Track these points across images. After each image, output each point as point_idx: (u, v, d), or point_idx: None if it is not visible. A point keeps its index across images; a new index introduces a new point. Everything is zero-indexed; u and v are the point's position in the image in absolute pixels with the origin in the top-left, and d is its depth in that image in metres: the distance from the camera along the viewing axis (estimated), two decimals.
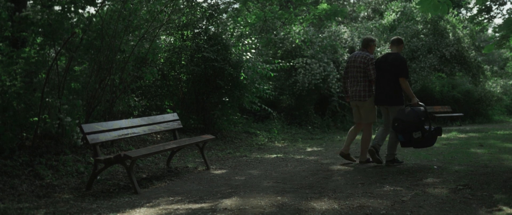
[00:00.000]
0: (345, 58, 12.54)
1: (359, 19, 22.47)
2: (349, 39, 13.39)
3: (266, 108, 9.52)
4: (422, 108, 5.30)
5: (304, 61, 11.20)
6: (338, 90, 11.44)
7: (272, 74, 9.49)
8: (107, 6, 6.40)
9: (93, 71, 6.16)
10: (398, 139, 5.31)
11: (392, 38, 5.71)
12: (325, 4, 18.52)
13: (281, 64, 10.21)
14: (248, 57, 8.78)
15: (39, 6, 5.13)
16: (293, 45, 11.75)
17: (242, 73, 8.38)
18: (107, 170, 5.29)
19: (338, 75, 11.80)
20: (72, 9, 5.19)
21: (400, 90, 5.38)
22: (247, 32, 10.04)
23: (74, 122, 5.06)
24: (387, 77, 5.39)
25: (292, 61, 11.21)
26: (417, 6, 15.63)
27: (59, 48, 5.38)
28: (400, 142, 5.34)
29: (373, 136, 6.33)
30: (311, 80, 10.90)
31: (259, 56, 9.73)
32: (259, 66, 8.94)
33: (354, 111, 5.82)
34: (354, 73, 5.64)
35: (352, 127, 5.91)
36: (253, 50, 9.05)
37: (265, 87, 9.08)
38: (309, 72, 10.99)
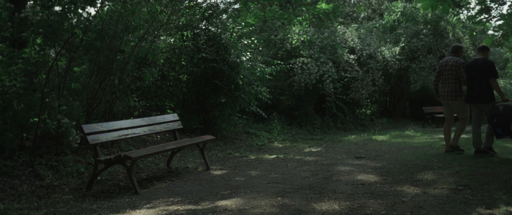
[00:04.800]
0: (345, 58, 12.52)
1: (359, 19, 22.45)
2: (349, 39, 13.38)
3: (260, 112, 9.46)
4: None
5: (301, 62, 11.21)
6: (332, 90, 11.38)
7: (268, 77, 9.47)
8: (107, 7, 6.39)
9: (93, 71, 6.16)
10: (496, 132, 5.93)
11: (479, 46, 6.45)
12: (324, 4, 18.50)
13: (282, 65, 10.20)
14: (247, 57, 8.77)
15: (38, 7, 5.12)
16: (293, 46, 11.75)
17: (240, 75, 8.38)
18: (107, 171, 5.29)
19: (336, 76, 11.78)
20: (72, 9, 5.18)
21: (490, 89, 6.10)
22: (245, 31, 10.01)
23: (71, 123, 5.05)
24: (478, 79, 6.12)
25: (290, 61, 11.21)
26: (417, 6, 15.60)
27: (59, 49, 5.38)
28: (496, 135, 5.96)
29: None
30: (307, 81, 10.91)
31: (258, 56, 9.70)
32: (258, 68, 8.92)
33: (445, 108, 6.64)
34: (446, 75, 6.42)
35: (445, 124, 6.72)
36: (251, 50, 9.03)
37: (262, 89, 9.05)
38: (306, 72, 11.00)
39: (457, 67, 6.30)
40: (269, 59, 10.46)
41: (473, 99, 6.22)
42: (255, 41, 9.84)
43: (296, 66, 11.15)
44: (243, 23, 10.22)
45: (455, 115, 6.63)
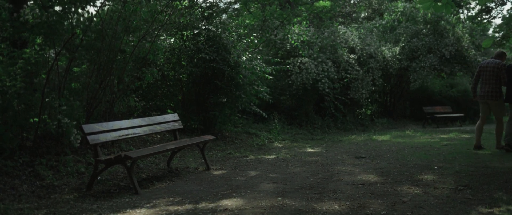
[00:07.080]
0: (345, 58, 12.51)
1: (360, 19, 22.46)
2: (349, 39, 13.39)
3: (260, 111, 9.45)
4: None
5: (298, 61, 11.21)
6: (326, 90, 11.35)
7: (269, 77, 9.47)
8: (107, 7, 6.39)
9: (93, 71, 6.16)
10: None
11: None
12: (321, 1, 18.52)
13: (280, 66, 10.21)
14: (248, 56, 8.76)
15: (37, 10, 5.12)
16: (293, 46, 11.76)
17: (240, 75, 8.38)
18: (107, 171, 5.29)
19: (336, 76, 11.77)
20: (72, 9, 5.17)
21: None
22: (245, 31, 10.01)
23: (72, 124, 5.05)
24: None
25: (288, 61, 11.20)
26: (417, 6, 15.59)
27: (59, 49, 5.38)
28: None
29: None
30: (304, 81, 10.91)
31: (258, 55, 9.69)
32: (258, 68, 8.92)
33: (483, 107, 6.88)
34: (486, 77, 6.68)
35: (478, 122, 6.95)
36: (251, 49, 9.03)
37: (262, 89, 9.04)
38: (304, 72, 11.00)
39: (499, 69, 6.56)
40: (270, 57, 10.46)
41: (511, 99, 6.55)
42: (255, 41, 9.82)
43: (295, 67, 11.15)
44: (243, 24, 10.20)
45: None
